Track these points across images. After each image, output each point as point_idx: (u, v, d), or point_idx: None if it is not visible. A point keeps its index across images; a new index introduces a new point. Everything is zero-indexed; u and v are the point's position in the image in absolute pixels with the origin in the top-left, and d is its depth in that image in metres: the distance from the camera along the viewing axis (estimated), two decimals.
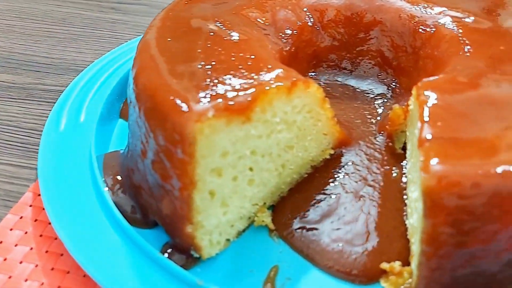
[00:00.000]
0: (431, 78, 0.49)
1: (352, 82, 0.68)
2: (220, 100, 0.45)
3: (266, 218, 0.53)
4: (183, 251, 0.49)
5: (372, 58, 0.67)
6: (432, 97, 0.45)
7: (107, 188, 0.54)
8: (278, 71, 0.50)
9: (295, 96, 0.50)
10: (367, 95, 0.66)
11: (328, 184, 0.56)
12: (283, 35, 0.63)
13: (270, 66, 0.50)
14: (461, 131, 0.41)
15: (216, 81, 0.47)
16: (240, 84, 0.47)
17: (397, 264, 0.47)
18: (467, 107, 0.44)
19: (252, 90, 0.47)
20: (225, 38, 0.55)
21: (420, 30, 0.62)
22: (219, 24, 0.57)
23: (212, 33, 0.55)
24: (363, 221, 0.52)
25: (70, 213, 0.51)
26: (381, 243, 0.50)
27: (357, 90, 0.67)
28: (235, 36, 0.56)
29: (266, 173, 0.53)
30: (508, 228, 0.39)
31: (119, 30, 0.97)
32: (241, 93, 0.46)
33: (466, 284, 0.42)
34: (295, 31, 0.64)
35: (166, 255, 0.49)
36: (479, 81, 0.47)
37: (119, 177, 0.56)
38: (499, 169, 0.38)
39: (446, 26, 0.59)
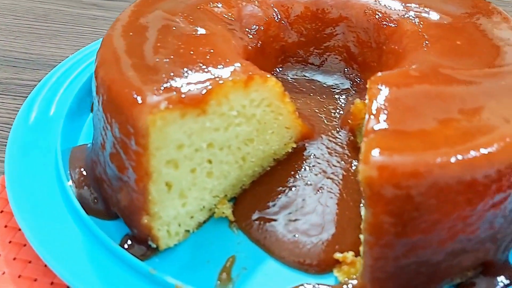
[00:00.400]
0: (385, 72, 0.49)
1: (319, 77, 0.69)
2: (174, 93, 0.46)
3: (226, 210, 0.54)
4: (142, 242, 0.50)
5: (339, 54, 0.68)
6: (381, 91, 0.46)
7: (71, 181, 0.55)
8: (236, 65, 0.51)
9: (252, 90, 0.51)
10: (333, 90, 0.67)
11: (289, 177, 0.57)
12: (249, 30, 0.64)
13: (228, 60, 0.51)
14: (405, 123, 0.42)
15: (172, 74, 0.48)
16: (196, 77, 0.48)
17: (350, 254, 0.48)
18: (414, 100, 0.45)
19: (208, 83, 0.48)
20: (186, 33, 0.55)
21: (384, 25, 0.63)
22: (182, 19, 0.58)
23: (174, 28, 0.56)
24: (320, 213, 0.53)
25: (32, 206, 0.52)
26: (336, 234, 0.51)
27: (324, 85, 0.68)
28: (197, 31, 0.56)
29: (226, 166, 0.53)
30: (448, 218, 0.40)
31: (100, 26, 0.98)
32: (196, 86, 0.47)
33: (410, 273, 0.42)
34: (261, 27, 0.65)
35: (126, 246, 0.50)
36: (430, 75, 0.48)
37: (83, 170, 0.57)
38: (438, 160, 0.38)
39: (408, 21, 0.60)
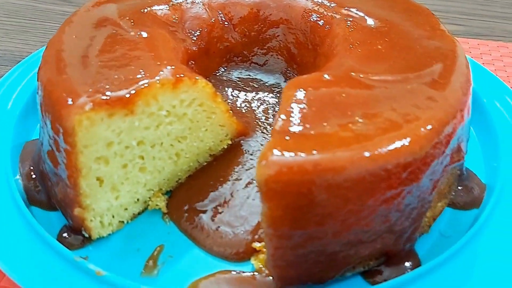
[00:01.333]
0: (301, 77, 0.53)
1: (262, 76, 0.72)
2: (100, 94, 0.50)
3: (160, 202, 0.58)
4: (77, 232, 0.54)
5: (281, 54, 0.72)
6: (292, 94, 0.49)
7: (18, 174, 0.59)
8: (167, 68, 0.54)
9: (182, 91, 0.55)
10: (274, 88, 0.71)
11: (223, 172, 0.61)
12: (193, 32, 0.67)
13: (160, 63, 0.55)
14: (307, 126, 0.46)
15: (104, 77, 0.52)
16: (126, 79, 0.52)
17: None
18: (320, 104, 0.48)
19: (136, 85, 0.51)
20: (125, 36, 0.59)
21: (319, 28, 0.66)
22: (125, 22, 0.62)
23: (114, 31, 0.60)
24: (245, 206, 0.57)
25: None
26: (256, 225, 0.55)
27: (266, 84, 0.71)
28: (137, 34, 0.60)
29: (159, 162, 0.57)
30: (339, 212, 0.44)
31: None
32: (124, 88, 0.51)
33: (310, 262, 0.46)
34: (205, 29, 0.68)
35: (64, 235, 0.54)
36: (341, 80, 0.52)
37: (31, 163, 0.61)
38: (326, 160, 0.42)
39: (340, 24, 0.63)
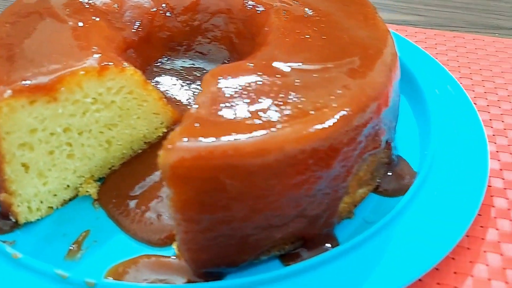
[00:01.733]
0: (224, 65, 0.54)
1: (206, 65, 0.73)
2: (23, 82, 0.50)
3: (91, 189, 0.59)
4: (5, 217, 0.55)
5: (223, 43, 0.72)
6: (211, 82, 0.50)
7: None
8: (94, 56, 0.55)
9: (108, 79, 0.56)
10: None
11: (156, 159, 0.62)
12: (133, 21, 0.68)
13: (87, 52, 0.56)
14: (217, 113, 0.47)
15: (29, 64, 0.53)
16: (50, 67, 0.53)
17: None
18: (235, 92, 0.49)
19: (59, 73, 0.52)
20: (57, 25, 0.60)
21: (257, 17, 0.66)
22: (61, 12, 0.62)
23: (48, 20, 0.60)
24: None
25: None
26: None
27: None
28: (71, 23, 0.60)
29: (89, 149, 0.58)
30: (245, 197, 0.45)
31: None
32: (46, 75, 0.52)
33: (221, 245, 0.47)
34: (147, 18, 0.69)
35: None
36: (262, 69, 0.52)
37: None
38: (230, 146, 0.43)
39: (276, 14, 0.64)
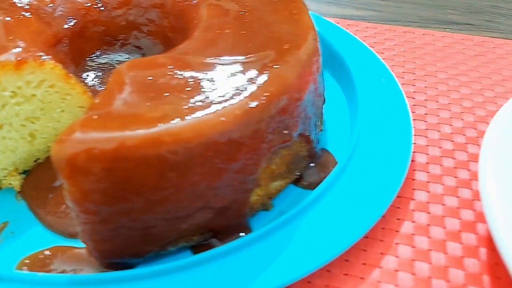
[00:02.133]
0: (136, 59, 0.54)
1: None
2: None
3: (14, 181, 0.60)
4: None
5: (158, 38, 0.73)
6: (118, 76, 0.51)
7: None
8: (13, 50, 0.56)
9: (27, 73, 0.56)
10: None
11: None
12: (65, 15, 0.68)
13: (5, 46, 0.56)
14: (118, 106, 0.47)
15: None
16: None
17: None
18: (141, 85, 0.50)
19: None
20: None
21: (188, 11, 0.67)
22: None
23: None
24: None
25: None
26: None
27: None
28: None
29: (11, 141, 0.59)
30: (141, 189, 0.45)
31: None
32: None
33: (122, 236, 0.48)
34: (80, 12, 0.69)
35: None
36: (174, 62, 0.53)
37: None
38: (125, 140, 0.44)
39: (206, 8, 0.65)
